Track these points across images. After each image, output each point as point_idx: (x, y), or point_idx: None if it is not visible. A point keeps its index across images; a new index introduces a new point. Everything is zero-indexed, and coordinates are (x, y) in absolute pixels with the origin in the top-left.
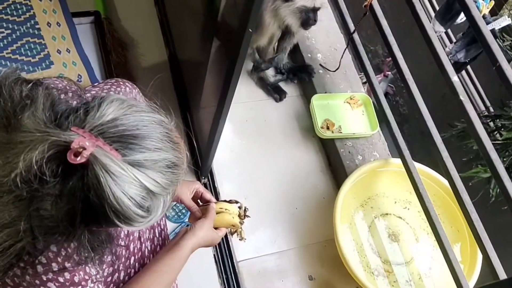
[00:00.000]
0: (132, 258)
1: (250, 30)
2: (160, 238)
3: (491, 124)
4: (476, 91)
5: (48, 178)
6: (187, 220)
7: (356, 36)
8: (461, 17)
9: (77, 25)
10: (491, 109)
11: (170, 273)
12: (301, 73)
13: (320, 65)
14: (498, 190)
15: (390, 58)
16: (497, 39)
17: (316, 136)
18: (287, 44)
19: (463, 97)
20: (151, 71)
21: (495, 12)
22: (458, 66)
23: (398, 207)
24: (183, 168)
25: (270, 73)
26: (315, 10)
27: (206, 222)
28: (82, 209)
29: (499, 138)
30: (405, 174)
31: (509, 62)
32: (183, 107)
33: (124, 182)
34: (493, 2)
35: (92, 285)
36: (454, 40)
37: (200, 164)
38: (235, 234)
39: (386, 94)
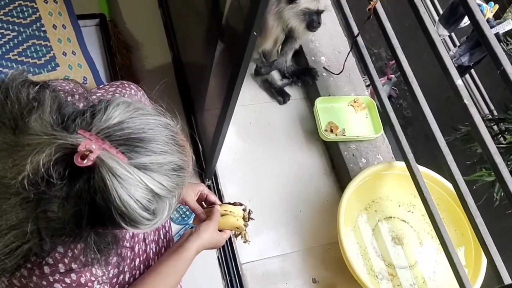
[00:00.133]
0: (137, 259)
1: (255, 33)
2: (165, 240)
3: (495, 127)
4: (480, 95)
5: (55, 181)
6: (191, 222)
7: (360, 39)
8: (465, 21)
9: (83, 28)
10: (495, 113)
11: (175, 275)
12: (305, 76)
13: (324, 68)
14: (502, 194)
15: (393, 61)
16: (501, 43)
17: (320, 139)
18: (289, 48)
19: (467, 100)
20: (155, 73)
21: (498, 15)
22: (462, 70)
23: (402, 210)
24: (188, 171)
25: (277, 77)
26: (318, 12)
27: (211, 224)
28: (88, 211)
29: (503, 142)
30: (409, 177)
31: None
32: (187, 109)
33: (130, 185)
34: (497, 6)
35: (98, 286)
36: (458, 43)
37: (204, 166)
38: (239, 236)
39: (389, 97)
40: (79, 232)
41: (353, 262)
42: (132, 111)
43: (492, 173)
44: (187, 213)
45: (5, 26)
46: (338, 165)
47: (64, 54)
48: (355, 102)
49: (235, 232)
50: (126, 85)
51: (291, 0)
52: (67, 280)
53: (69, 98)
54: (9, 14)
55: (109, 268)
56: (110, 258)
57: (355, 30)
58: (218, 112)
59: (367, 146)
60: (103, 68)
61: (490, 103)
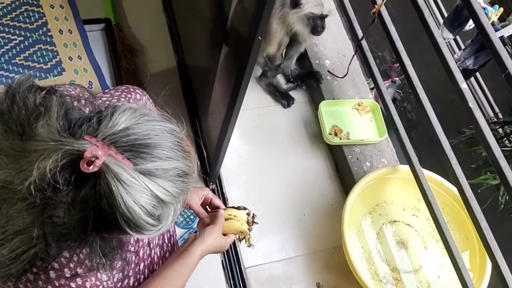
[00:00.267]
0: (142, 264)
1: (260, 38)
2: (169, 244)
3: (500, 130)
4: (485, 98)
5: (61, 187)
6: (195, 226)
7: (364, 43)
8: (470, 24)
9: (88, 32)
10: (500, 116)
11: (179, 279)
12: (309, 80)
13: (328, 71)
14: (507, 197)
15: (398, 64)
16: (506, 46)
17: (324, 142)
18: (294, 52)
19: (472, 104)
20: (160, 77)
21: (503, 18)
22: (467, 73)
23: (407, 214)
24: (193, 177)
25: (282, 81)
26: (323, 17)
27: (215, 228)
28: (94, 216)
29: (508, 145)
30: (413, 181)
31: None
32: (192, 113)
33: (136, 191)
34: (502, 9)
35: None
36: (462, 47)
37: (208, 170)
38: (243, 240)
39: (394, 100)
40: (85, 237)
41: (357, 266)
42: (138, 117)
43: (497, 176)
44: (192, 217)
45: (12, 31)
46: (343, 168)
47: (70, 58)
48: (359, 105)
49: (239, 236)
50: (131, 90)
51: (295, 5)
52: (73, 285)
53: (75, 103)
54: (15, 19)
55: (114, 273)
56: (115, 262)
57: (360, 34)
58: (223, 116)
59: (371, 150)
60: (108, 72)
61: (495, 106)
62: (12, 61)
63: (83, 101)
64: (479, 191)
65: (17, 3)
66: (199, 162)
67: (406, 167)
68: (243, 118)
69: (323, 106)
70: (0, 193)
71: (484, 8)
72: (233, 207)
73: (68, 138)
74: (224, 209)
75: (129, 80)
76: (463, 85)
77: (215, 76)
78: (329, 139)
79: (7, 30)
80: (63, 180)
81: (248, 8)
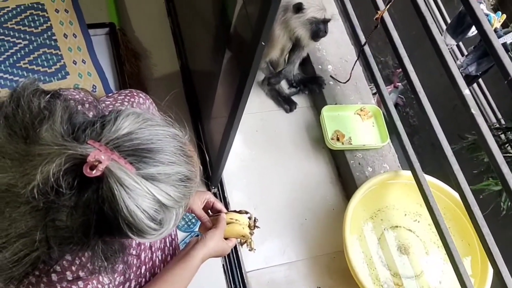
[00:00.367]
0: (143, 267)
1: (263, 43)
2: (170, 248)
3: (502, 136)
4: (487, 104)
5: (64, 190)
6: (197, 229)
7: (366, 48)
8: (473, 31)
9: (93, 36)
10: (502, 122)
11: (181, 283)
12: (312, 84)
13: (331, 76)
14: (509, 203)
15: (400, 69)
16: (509, 53)
17: (326, 147)
18: (296, 57)
19: (474, 110)
20: (164, 81)
21: (506, 25)
22: (470, 79)
23: (408, 219)
24: (196, 182)
25: (284, 86)
26: (325, 21)
27: (217, 232)
28: (96, 220)
29: (510, 151)
30: (415, 187)
31: None
32: (194, 117)
33: (138, 195)
34: (504, 16)
35: None
36: (465, 53)
37: (211, 173)
38: (245, 244)
39: (396, 105)
40: (87, 241)
41: (358, 272)
42: (141, 122)
43: (499, 182)
44: (193, 220)
45: (17, 35)
46: (344, 173)
47: (74, 62)
48: (361, 110)
49: (240, 240)
50: (135, 94)
51: (298, 10)
52: None
53: (79, 107)
54: (20, 23)
55: (116, 276)
56: (117, 265)
57: (362, 39)
58: (225, 120)
59: (373, 155)
60: (112, 76)
61: (498, 112)
62: (17, 65)
63: (87, 105)
64: (481, 197)
65: (22, 7)
66: (201, 167)
67: (408, 173)
68: (246, 122)
69: (325, 111)
70: (3, 196)
71: (487, 15)
72: (235, 211)
73: (71, 142)
74: (226, 213)
75: (133, 84)
76: (466, 91)
77: (218, 80)
78: (331, 144)
79: (12, 34)
80: (66, 184)
81: (252, 13)
